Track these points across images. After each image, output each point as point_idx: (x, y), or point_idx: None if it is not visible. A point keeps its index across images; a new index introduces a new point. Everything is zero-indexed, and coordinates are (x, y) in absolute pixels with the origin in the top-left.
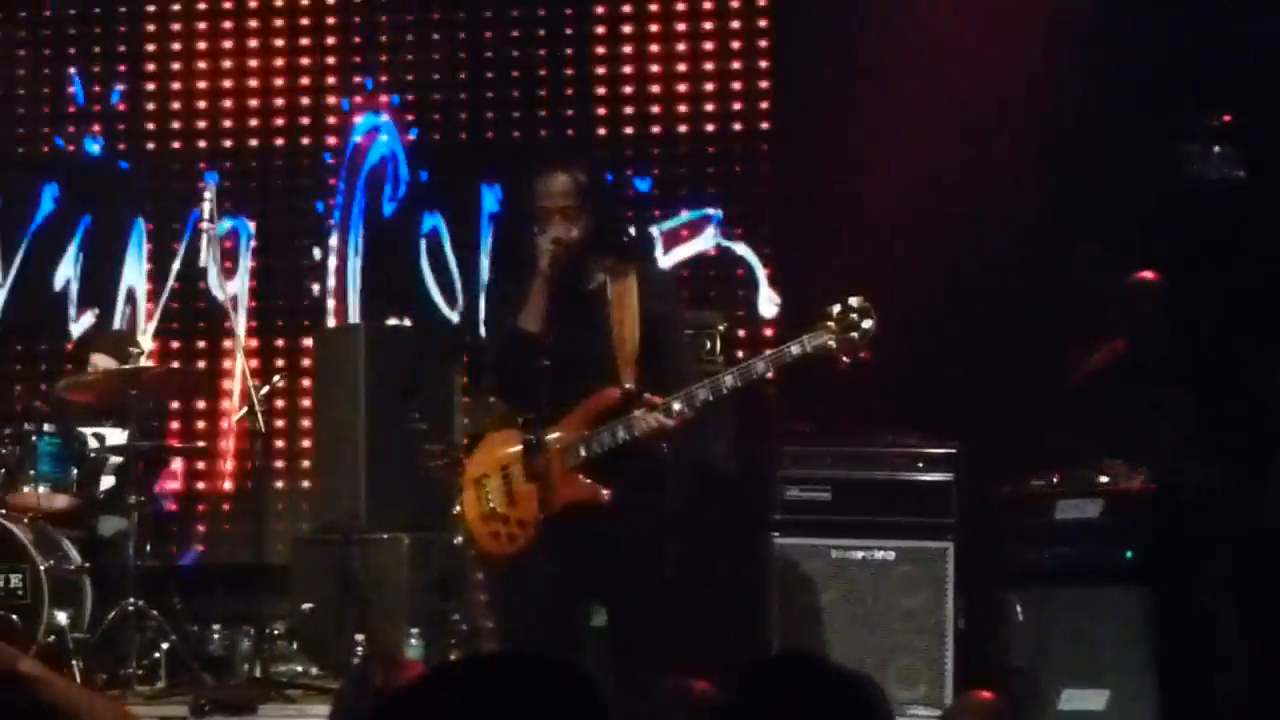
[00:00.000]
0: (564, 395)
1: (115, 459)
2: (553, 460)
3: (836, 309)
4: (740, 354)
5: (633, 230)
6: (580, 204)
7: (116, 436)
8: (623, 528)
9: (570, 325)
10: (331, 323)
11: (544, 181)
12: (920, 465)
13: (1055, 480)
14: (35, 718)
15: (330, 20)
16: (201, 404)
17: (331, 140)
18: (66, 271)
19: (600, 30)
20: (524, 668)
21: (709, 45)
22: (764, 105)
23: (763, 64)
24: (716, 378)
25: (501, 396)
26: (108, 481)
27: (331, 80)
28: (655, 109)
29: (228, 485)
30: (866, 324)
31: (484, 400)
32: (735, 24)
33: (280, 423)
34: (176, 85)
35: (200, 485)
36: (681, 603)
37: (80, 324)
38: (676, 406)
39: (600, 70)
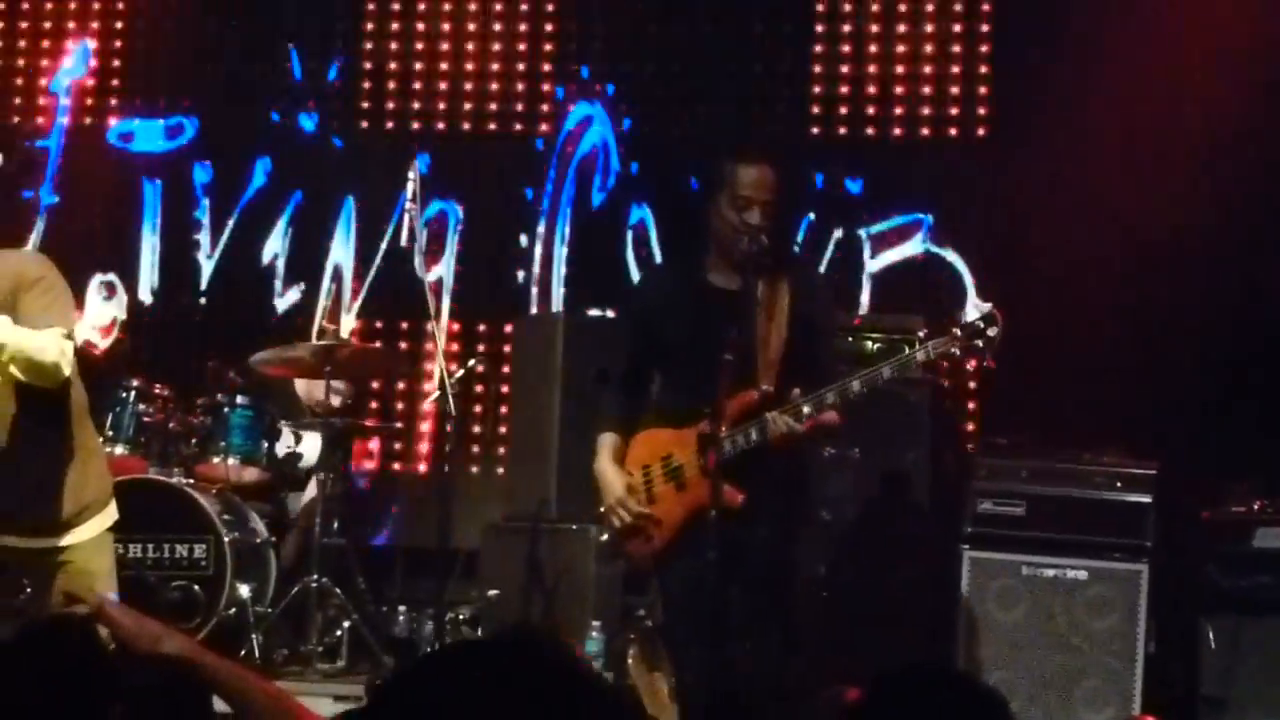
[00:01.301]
0: (703, 396)
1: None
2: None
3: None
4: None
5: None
6: (779, 201)
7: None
8: (755, 533)
9: (715, 325)
10: (534, 310)
11: (754, 171)
12: (1118, 484)
13: (1257, 506)
14: (183, 698)
15: (549, 6)
16: (401, 385)
17: (544, 127)
18: (275, 246)
19: (819, 29)
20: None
21: (929, 48)
22: (981, 111)
23: (982, 69)
24: (844, 382)
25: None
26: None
27: (547, 67)
28: (871, 110)
29: (422, 468)
30: (992, 332)
31: None
32: (956, 28)
33: (477, 408)
34: (392, 65)
35: (395, 467)
36: (818, 616)
37: (285, 299)
38: (806, 410)
39: (817, 69)
